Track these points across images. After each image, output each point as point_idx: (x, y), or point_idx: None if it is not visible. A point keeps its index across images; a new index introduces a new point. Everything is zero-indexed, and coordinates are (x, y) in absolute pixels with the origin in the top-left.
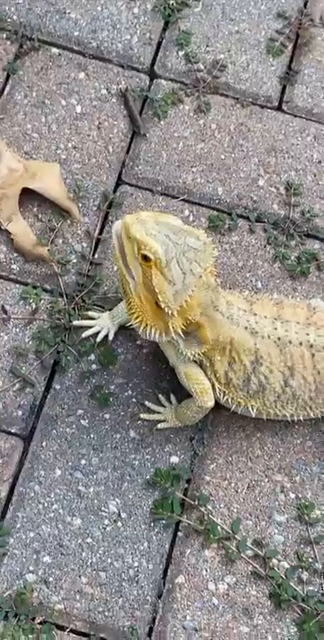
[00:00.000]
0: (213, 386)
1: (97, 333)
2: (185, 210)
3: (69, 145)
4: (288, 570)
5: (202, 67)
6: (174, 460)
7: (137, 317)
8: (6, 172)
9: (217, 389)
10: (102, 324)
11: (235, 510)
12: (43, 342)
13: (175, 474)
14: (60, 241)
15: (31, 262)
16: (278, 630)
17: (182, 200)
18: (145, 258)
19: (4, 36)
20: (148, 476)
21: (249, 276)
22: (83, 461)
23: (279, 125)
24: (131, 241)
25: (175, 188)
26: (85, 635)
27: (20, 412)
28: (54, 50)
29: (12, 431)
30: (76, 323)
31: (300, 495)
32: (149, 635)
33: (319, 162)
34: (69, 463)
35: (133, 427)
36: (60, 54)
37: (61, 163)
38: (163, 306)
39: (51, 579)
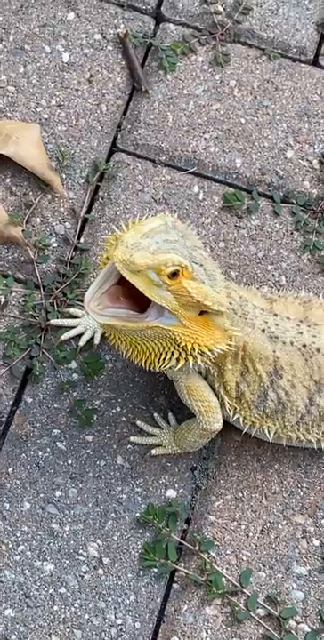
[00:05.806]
0: (222, 401)
1: (80, 335)
2: (194, 185)
3: (53, 102)
4: (309, 634)
5: (220, 8)
6: (171, 494)
7: (193, 347)
8: None
9: (227, 405)
10: (87, 324)
11: (245, 559)
12: (12, 345)
13: (172, 511)
14: (38, 220)
15: (1, 245)
16: None
17: (191, 173)
18: (173, 275)
19: None
20: (137, 514)
21: (271, 269)
22: (58, 493)
23: (315, 84)
24: (141, 274)
25: (183, 159)
26: None
27: None
28: None
29: None
30: (54, 322)
31: None
32: None
33: None
34: (41, 495)
35: (121, 452)
36: None
37: (42, 123)
38: (216, 307)
39: (13, 637)
